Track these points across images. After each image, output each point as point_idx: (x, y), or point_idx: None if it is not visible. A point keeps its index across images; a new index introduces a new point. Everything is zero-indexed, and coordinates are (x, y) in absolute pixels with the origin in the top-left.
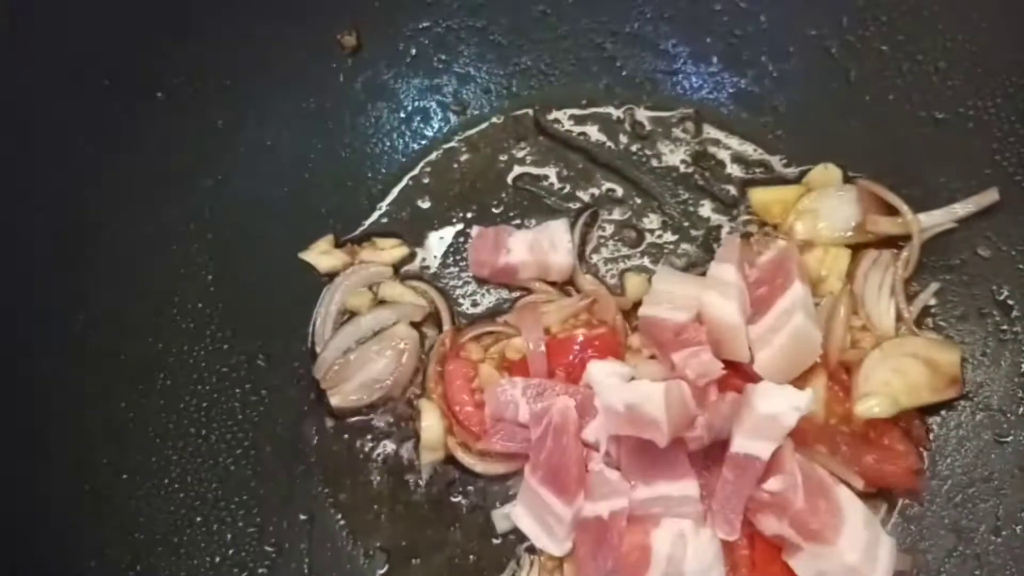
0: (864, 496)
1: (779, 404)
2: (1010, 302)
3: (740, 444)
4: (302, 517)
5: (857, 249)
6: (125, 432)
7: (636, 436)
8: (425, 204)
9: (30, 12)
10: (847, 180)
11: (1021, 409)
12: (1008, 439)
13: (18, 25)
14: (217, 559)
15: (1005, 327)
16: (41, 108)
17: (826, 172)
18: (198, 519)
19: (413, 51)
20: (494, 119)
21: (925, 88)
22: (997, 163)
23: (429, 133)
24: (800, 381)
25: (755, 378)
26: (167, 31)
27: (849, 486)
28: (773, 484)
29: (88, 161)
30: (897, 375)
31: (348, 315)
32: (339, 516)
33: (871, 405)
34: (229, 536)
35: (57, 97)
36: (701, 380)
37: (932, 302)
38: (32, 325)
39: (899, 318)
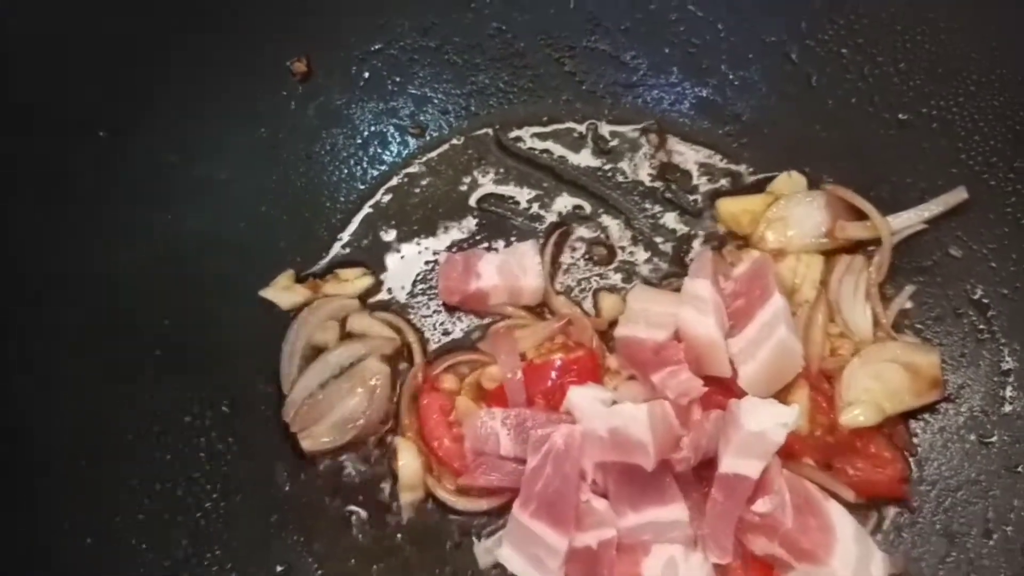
0: (853, 507)
1: (766, 421)
2: (985, 300)
3: (728, 464)
4: (278, 568)
5: (829, 255)
6: (87, 493)
7: (622, 461)
8: (388, 232)
9: None
10: (812, 186)
11: (1003, 408)
12: (992, 439)
13: None
14: None
15: (982, 326)
16: None
17: (790, 180)
18: None
19: (366, 74)
20: (454, 140)
21: (887, 90)
22: (963, 162)
23: (388, 158)
24: (782, 393)
25: (738, 392)
26: (108, 65)
27: (839, 499)
28: (761, 506)
29: (31, 205)
30: (878, 382)
31: (315, 352)
32: (316, 565)
33: (855, 414)
34: None
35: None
36: (683, 399)
37: (908, 305)
38: None
39: (876, 323)
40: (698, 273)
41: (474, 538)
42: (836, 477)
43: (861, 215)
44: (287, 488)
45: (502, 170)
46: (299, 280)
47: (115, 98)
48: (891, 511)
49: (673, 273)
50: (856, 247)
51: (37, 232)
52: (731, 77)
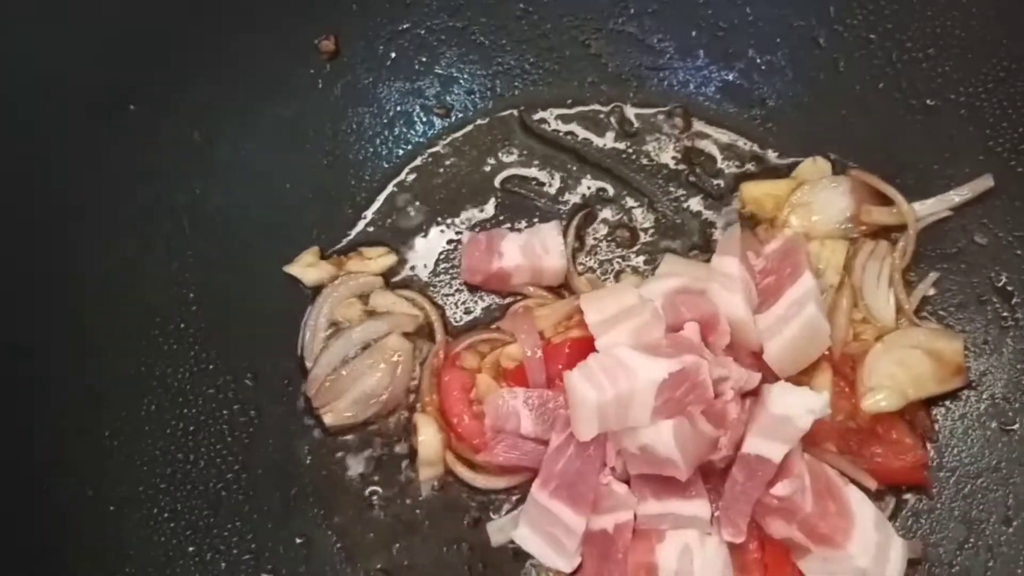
0: (872, 492)
1: (793, 406)
2: (1009, 288)
3: (752, 444)
4: (298, 541)
5: (853, 241)
6: (111, 462)
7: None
8: (411, 211)
9: None
10: (838, 172)
11: None
12: (1014, 427)
13: None
14: None
15: (1006, 314)
16: (8, 123)
17: (815, 165)
18: (191, 549)
19: (393, 54)
20: (479, 121)
21: (915, 75)
22: (991, 149)
23: (413, 138)
24: (804, 377)
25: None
26: (138, 40)
27: (859, 485)
28: (781, 489)
29: (60, 179)
30: (901, 368)
31: (337, 328)
32: (335, 538)
33: (878, 399)
34: (224, 564)
35: (26, 112)
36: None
37: (931, 292)
38: (10, 353)
39: (899, 309)
40: (726, 250)
41: (491, 516)
42: (856, 463)
43: (886, 201)
44: (308, 462)
45: (526, 151)
46: (323, 257)
47: (145, 73)
48: (910, 497)
49: (697, 258)
50: (880, 233)
51: (65, 205)
52: (758, 61)
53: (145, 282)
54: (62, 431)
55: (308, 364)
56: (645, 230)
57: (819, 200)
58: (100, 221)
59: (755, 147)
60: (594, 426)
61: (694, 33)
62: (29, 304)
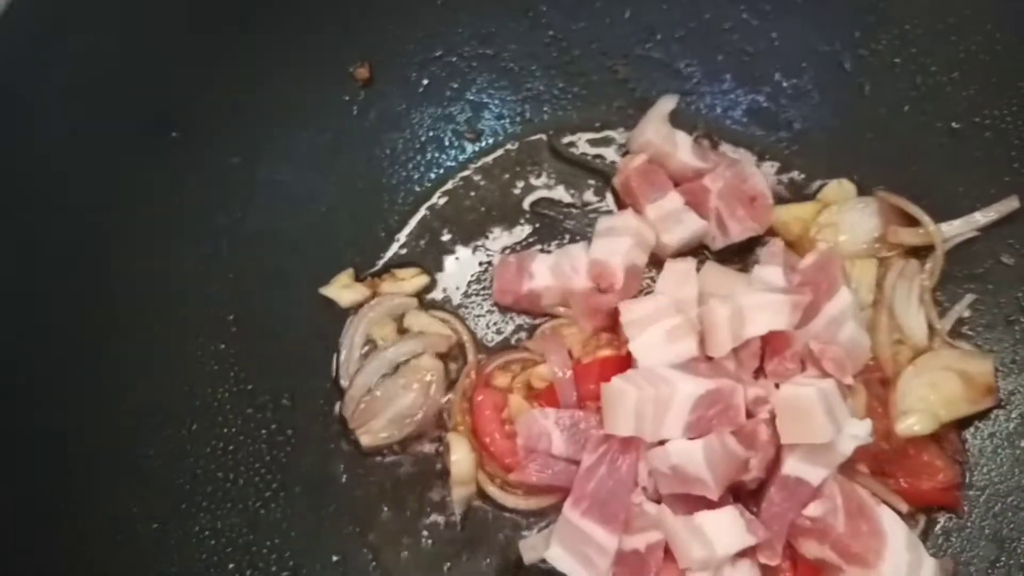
0: (903, 512)
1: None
2: None
3: (792, 467)
4: (334, 558)
5: (881, 261)
6: (154, 480)
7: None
8: (443, 233)
9: (39, 50)
10: (863, 194)
11: None
12: None
13: (26, 63)
14: None
15: None
16: (53, 149)
17: (840, 187)
18: (231, 566)
19: (425, 81)
20: (509, 145)
21: (940, 99)
22: (1016, 170)
23: (445, 162)
24: None
25: None
26: (181, 69)
27: (890, 507)
28: (813, 510)
29: (103, 204)
30: (933, 390)
31: (373, 348)
32: (371, 556)
33: (911, 423)
34: None
35: (71, 136)
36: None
37: (966, 313)
38: (56, 375)
39: (931, 328)
40: (770, 260)
41: (522, 534)
42: (888, 485)
43: (913, 222)
44: (343, 480)
45: (555, 175)
46: (358, 279)
47: (187, 100)
48: (940, 516)
49: None
50: (908, 254)
51: (107, 228)
52: (784, 85)
53: (186, 304)
54: (105, 451)
55: (344, 384)
56: None
57: (847, 221)
58: (142, 244)
59: (782, 170)
60: (630, 424)
61: (720, 58)
62: (70, 326)
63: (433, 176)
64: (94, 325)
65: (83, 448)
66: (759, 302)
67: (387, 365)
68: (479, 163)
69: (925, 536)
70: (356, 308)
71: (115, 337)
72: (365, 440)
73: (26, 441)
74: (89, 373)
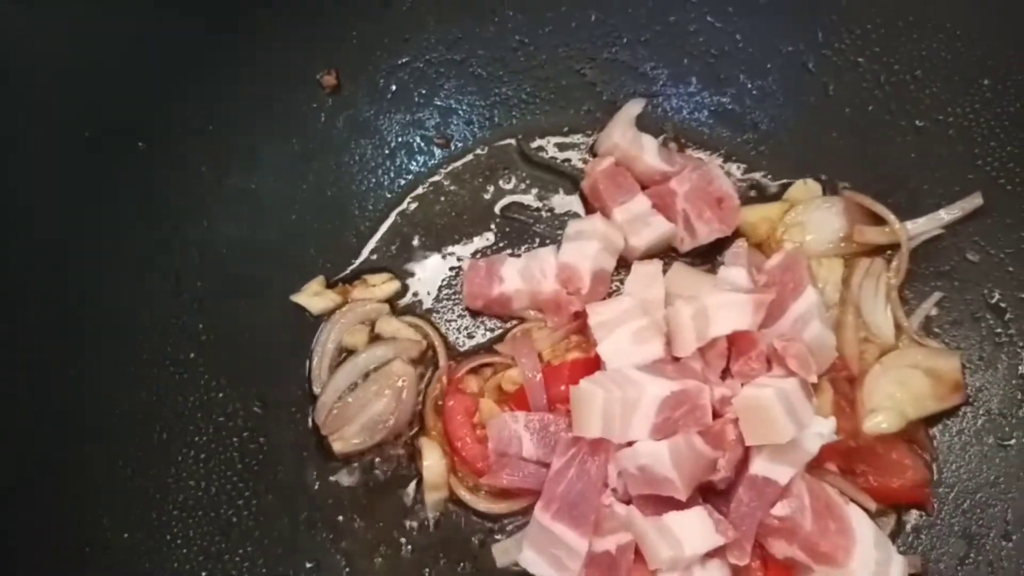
0: (872, 510)
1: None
2: (1002, 305)
3: (760, 466)
4: (308, 565)
5: (847, 260)
6: (124, 489)
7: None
8: (414, 239)
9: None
10: (829, 193)
11: (1021, 411)
12: (1011, 442)
13: None
14: None
15: (999, 330)
16: (19, 159)
17: (806, 187)
18: (203, 574)
19: (393, 87)
20: (478, 150)
21: (904, 97)
22: (979, 167)
23: (414, 168)
24: None
25: None
26: (146, 77)
27: (859, 505)
28: (781, 509)
29: (71, 214)
30: (901, 388)
31: (345, 354)
32: (344, 562)
33: (878, 421)
34: None
35: (36, 148)
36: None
37: (933, 312)
38: (23, 381)
39: (898, 326)
40: (734, 261)
41: (496, 537)
42: (856, 484)
43: (879, 221)
44: (316, 487)
45: (525, 179)
46: (329, 286)
47: (153, 111)
48: (910, 513)
49: None
50: (874, 252)
51: (76, 239)
52: (749, 86)
53: (155, 312)
54: (74, 461)
55: (316, 390)
56: None
57: (812, 220)
58: (111, 253)
59: (748, 171)
60: (598, 425)
61: (686, 60)
62: (37, 335)
63: (403, 182)
64: (61, 334)
65: (51, 458)
66: (723, 302)
67: (359, 371)
68: (449, 168)
69: (895, 534)
70: (328, 315)
71: (82, 346)
72: (338, 446)
73: None
74: (56, 383)
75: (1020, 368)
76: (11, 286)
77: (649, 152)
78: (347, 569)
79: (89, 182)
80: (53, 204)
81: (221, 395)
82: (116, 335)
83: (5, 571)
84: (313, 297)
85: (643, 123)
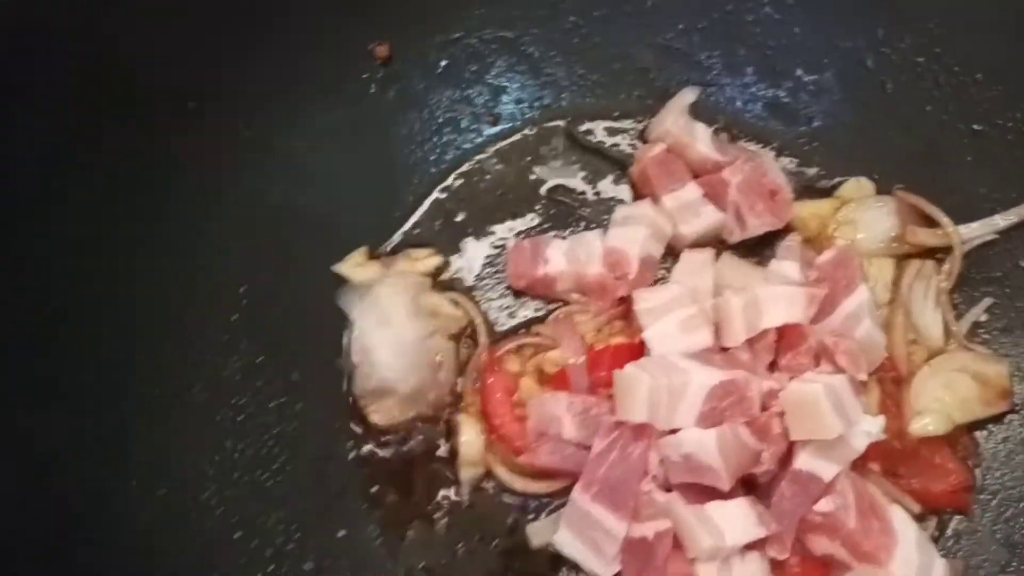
0: (914, 513)
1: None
2: None
3: (805, 461)
4: (340, 534)
5: (898, 260)
6: (162, 446)
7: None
8: (457, 215)
9: (54, 18)
10: (882, 192)
11: None
12: None
13: (42, 31)
14: None
15: None
16: (66, 118)
17: (859, 185)
18: (236, 536)
19: (444, 62)
20: (526, 130)
21: (962, 99)
22: None
23: (461, 144)
24: None
25: None
26: (200, 38)
27: (902, 506)
28: (825, 505)
29: (118, 172)
30: (948, 391)
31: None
32: (377, 533)
33: (925, 423)
34: (268, 552)
35: (83, 104)
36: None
37: (983, 317)
38: (65, 340)
39: (947, 331)
40: (786, 255)
41: (529, 516)
42: (899, 485)
43: (932, 223)
44: (350, 457)
45: (572, 162)
46: (371, 258)
47: (205, 72)
48: (951, 518)
49: None
50: (925, 254)
51: (118, 196)
52: (805, 81)
53: (198, 274)
54: (115, 413)
55: (355, 361)
56: None
57: (864, 219)
58: (157, 212)
59: (800, 165)
60: (643, 411)
61: (742, 51)
62: (84, 293)
63: (449, 158)
64: (104, 294)
65: (91, 414)
66: (775, 294)
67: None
68: (496, 147)
69: (935, 539)
70: (369, 286)
71: (128, 305)
72: (375, 418)
73: (38, 406)
74: (100, 338)
75: None
76: (55, 246)
77: (702, 140)
78: (379, 540)
79: (139, 140)
80: (98, 159)
81: (260, 359)
82: (159, 295)
83: (34, 524)
84: (355, 268)
85: (695, 112)
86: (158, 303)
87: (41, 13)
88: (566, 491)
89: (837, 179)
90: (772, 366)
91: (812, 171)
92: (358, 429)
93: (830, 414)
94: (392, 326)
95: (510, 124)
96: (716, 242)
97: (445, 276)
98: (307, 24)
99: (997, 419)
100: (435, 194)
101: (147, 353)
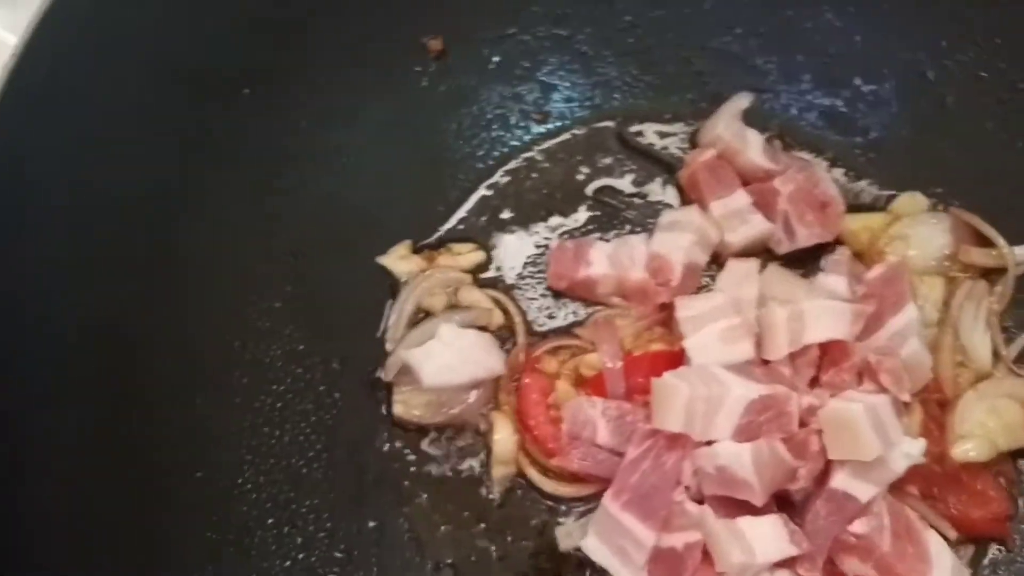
0: (951, 540)
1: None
2: None
3: (842, 480)
4: (371, 524)
5: (950, 279)
6: (201, 430)
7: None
8: (502, 213)
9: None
10: (935, 208)
11: None
12: None
13: (99, 16)
14: (288, 563)
15: None
16: (123, 99)
17: (913, 200)
18: (270, 521)
19: (497, 58)
20: (575, 130)
21: None
22: None
23: (509, 141)
24: None
25: None
26: (255, 29)
27: (939, 532)
28: (860, 526)
29: (170, 156)
30: (994, 417)
31: (422, 315)
32: (407, 526)
33: (967, 448)
34: (300, 540)
35: (140, 89)
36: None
37: None
38: (113, 320)
39: (996, 354)
40: (834, 269)
41: (558, 521)
42: (937, 510)
43: (986, 243)
44: (385, 449)
45: (621, 163)
46: (414, 251)
47: (260, 60)
48: (988, 547)
49: None
50: (978, 275)
51: (169, 182)
52: (864, 91)
53: (243, 260)
54: (158, 395)
55: (388, 347)
56: None
57: (918, 235)
58: (207, 197)
59: (854, 177)
60: (680, 420)
61: (800, 57)
62: (131, 278)
63: (497, 154)
64: (156, 275)
65: (134, 394)
66: (821, 308)
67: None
68: (544, 145)
69: (972, 567)
70: (411, 279)
71: (174, 288)
72: (399, 410)
73: (84, 387)
74: (145, 320)
75: None
76: (107, 228)
77: (754, 148)
78: (409, 534)
79: (192, 124)
80: (151, 144)
81: (301, 347)
82: (207, 279)
83: (84, 509)
84: (398, 260)
85: (748, 118)
86: (204, 288)
87: None
88: (596, 496)
89: (890, 193)
90: (814, 382)
91: (865, 183)
92: (393, 421)
93: (869, 435)
94: (428, 316)
95: (559, 123)
96: (763, 252)
97: (487, 273)
98: (362, 18)
99: None
100: (481, 190)
101: (190, 338)
